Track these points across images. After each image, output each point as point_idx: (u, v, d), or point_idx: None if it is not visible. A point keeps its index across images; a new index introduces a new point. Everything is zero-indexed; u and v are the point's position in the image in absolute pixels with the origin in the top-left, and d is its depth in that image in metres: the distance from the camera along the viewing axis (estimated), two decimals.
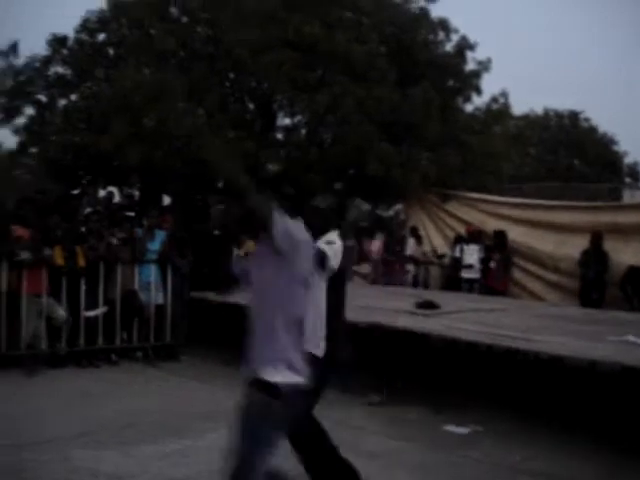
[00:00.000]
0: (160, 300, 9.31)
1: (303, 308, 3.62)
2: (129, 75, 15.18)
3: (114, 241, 9.32)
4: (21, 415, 6.63)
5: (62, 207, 9.54)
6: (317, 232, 4.52)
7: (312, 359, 4.03)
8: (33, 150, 19.02)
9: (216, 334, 9.56)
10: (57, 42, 18.83)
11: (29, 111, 18.66)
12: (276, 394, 3.35)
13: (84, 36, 18.54)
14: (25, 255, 8.21)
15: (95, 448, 5.84)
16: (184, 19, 16.76)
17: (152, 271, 9.19)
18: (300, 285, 3.55)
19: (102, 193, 14.32)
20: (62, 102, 18.60)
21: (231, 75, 15.93)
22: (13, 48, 18.61)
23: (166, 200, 12.59)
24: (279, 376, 3.37)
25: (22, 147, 19.36)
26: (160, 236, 9.47)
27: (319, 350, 4.48)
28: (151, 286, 9.19)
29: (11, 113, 18.47)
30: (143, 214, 9.99)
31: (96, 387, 7.09)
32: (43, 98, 18.74)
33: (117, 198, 13.97)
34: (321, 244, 4.60)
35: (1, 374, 8.04)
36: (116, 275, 8.98)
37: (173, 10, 16.78)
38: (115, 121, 14.61)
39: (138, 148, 13.94)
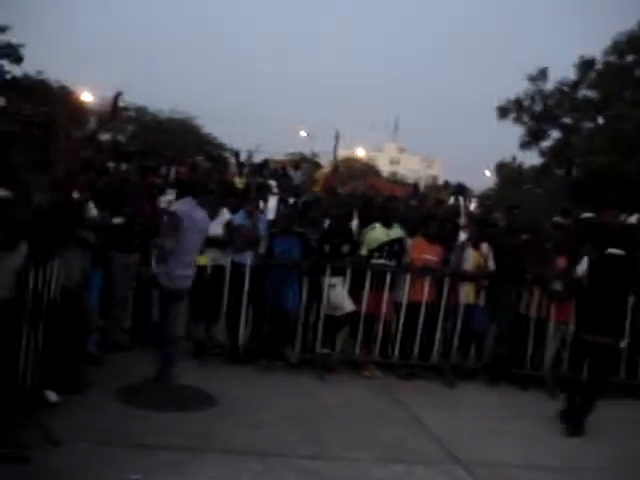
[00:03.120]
0: None
1: None
2: None
3: None
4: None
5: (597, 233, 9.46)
6: None
7: None
8: (557, 171, 19.69)
9: None
10: (585, 65, 19.12)
11: (555, 134, 19.45)
12: None
13: (613, 58, 18.51)
14: (557, 286, 8.47)
15: None
16: None
17: None
18: None
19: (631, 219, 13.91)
20: (587, 125, 18.91)
21: None
22: (543, 73, 19.49)
23: None
24: None
25: (546, 167, 20.20)
26: None
27: None
28: None
29: (538, 136, 19.42)
30: None
31: (609, 419, 7.01)
32: (569, 121, 19.29)
33: None
34: None
35: (523, 391, 8.47)
36: None
37: None
38: None
39: None
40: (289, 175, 14.30)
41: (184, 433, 5.67)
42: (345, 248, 8.23)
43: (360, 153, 64.86)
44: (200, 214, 6.78)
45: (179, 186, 8.23)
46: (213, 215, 8.02)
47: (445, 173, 53.52)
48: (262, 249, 8.05)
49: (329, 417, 6.58)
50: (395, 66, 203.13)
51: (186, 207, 6.67)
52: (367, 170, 49.57)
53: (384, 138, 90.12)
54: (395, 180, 49.17)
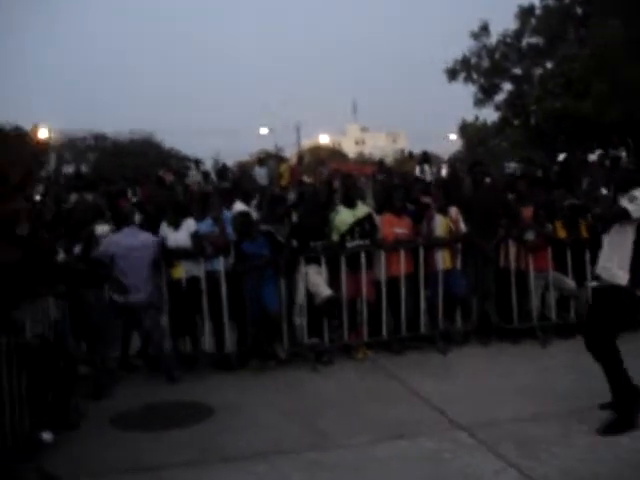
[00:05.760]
0: None
1: None
2: (602, 33, 14.68)
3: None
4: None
5: (565, 179, 9.54)
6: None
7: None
8: (515, 122, 19.71)
9: None
10: (525, 13, 19.14)
11: (507, 86, 19.50)
12: None
13: (551, 1, 18.53)
14: (530, 235, 8.54)
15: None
16: None
17: None
18: None
19: (592, 157, 14.03)
20: (537, 71, 18.96)
21: None
22: (485, 28, 19.46)
23: None
24: None
25: (504, 121, 20.26)
26: None
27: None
28: None
29: (491, 91, 19.45)
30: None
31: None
32: (518, 71, 19.33)
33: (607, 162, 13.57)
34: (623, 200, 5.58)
35: (516, 345, 8.54)
36: None
37: None
38: (594, 81, 14.28)
39: (620, 105, 13.43)
40: (250, 174, 14.27)
41: (184, 448, 5.66)
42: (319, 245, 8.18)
43: (324, 140, 64.80)
44: (135, 239, 7.57)
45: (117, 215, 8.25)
46: (177, 225, 8.04)
47: (411, 144, 53.45)
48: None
49: (327, 406, 6.57)
50: (345, 45, 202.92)
51: (119, 237, 7.61)
52: (333, 155, 49.59)
53: (346, 121, 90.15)
54: (363, 160, 49.15)
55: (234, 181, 12.35)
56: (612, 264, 5.71)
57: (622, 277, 5.64)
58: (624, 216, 5.59)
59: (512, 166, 14.60)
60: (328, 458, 5.36)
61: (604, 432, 5.56)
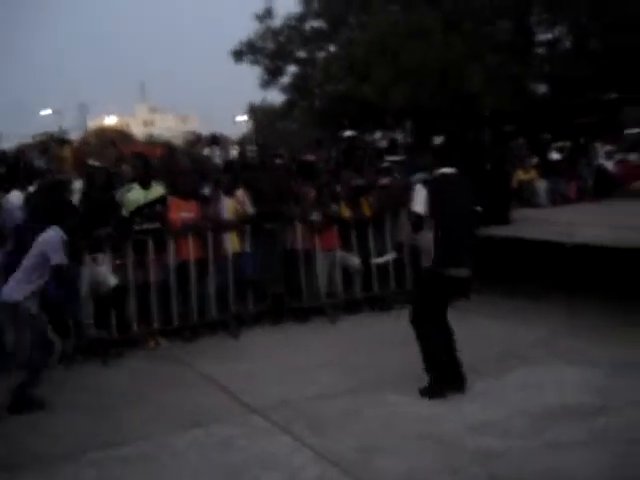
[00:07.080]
0: None
1: None
2: (383, 18, 15.25)
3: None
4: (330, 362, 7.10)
5: (347, 160, 9.85)
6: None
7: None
8: (301, 104, 20.00)
9: (502, 269, 9.46)
10: None
11: (292, 69, 19.76)
12: None
13: None
14: (315, 216, 8.75)
15: (407, 393, 6.00)
16: None
17: None
18: None
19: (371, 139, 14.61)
20: (321, 54, 19.39)
21: None
22: (269, 11, 19.53)
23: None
24: None
25: (290, 103, 20.54)
26: None
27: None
28: None
29: (276, 74, 19.62)
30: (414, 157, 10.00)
31: (393, 331, 7.36)
32: (303, 54, 19.65)
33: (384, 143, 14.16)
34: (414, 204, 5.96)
35: (307, 323, 8.75)
36: (400, 220, 9.18)
37: None
38: (375, 66, 14.80)
39: (401, 90, 14.04)
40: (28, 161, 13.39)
41: None
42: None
43: (111, 121, 62.65)
44: None
45: None
46: None
47: (202, 127, 53.00)
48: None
49: (120, 399, 6.34)
50: (133, 23, 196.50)
51: None
52: (121, 137, 48.01)
53: (135, 102, 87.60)
54: (152, 142, 48.00)
55: (11, 166, 11.49)
56: (420, 245, 6.13)
57: (428, 258, 5.95)
58: (419, 218, 5.94)
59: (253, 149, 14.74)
60: (121, 452, 5.17)
61: (422, 394, 5.95)
